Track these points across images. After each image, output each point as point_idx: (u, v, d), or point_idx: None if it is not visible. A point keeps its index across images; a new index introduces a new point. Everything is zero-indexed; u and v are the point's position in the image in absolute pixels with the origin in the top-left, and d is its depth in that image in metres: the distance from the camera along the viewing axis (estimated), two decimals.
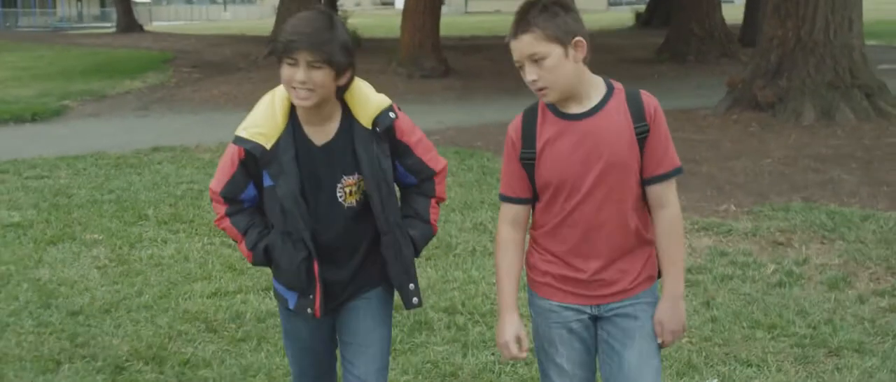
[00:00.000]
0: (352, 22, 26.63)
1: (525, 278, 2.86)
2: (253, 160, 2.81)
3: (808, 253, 5.63)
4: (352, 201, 2.87)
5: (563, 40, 2.60)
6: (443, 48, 18.16)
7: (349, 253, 2.90)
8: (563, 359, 2.80)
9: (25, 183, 8.23)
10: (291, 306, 2.95)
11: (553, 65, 2.61)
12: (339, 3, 28.08)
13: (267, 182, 2.83)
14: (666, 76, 16.79)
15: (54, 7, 68.30)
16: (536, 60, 2.60)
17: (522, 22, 2.62)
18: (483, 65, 19.25)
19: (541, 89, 2.64)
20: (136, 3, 64.25)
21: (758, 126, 9.75)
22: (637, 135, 2.69)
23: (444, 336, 4.52)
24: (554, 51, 2.60)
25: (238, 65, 20.85)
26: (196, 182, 8.03)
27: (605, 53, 21.69)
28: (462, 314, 4.78)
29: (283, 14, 21.60)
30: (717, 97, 11.63)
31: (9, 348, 4.43)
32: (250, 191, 2.89)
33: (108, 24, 61.51)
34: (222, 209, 2.92)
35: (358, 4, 29.64)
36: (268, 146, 2.77)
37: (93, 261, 5.78)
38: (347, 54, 2.72)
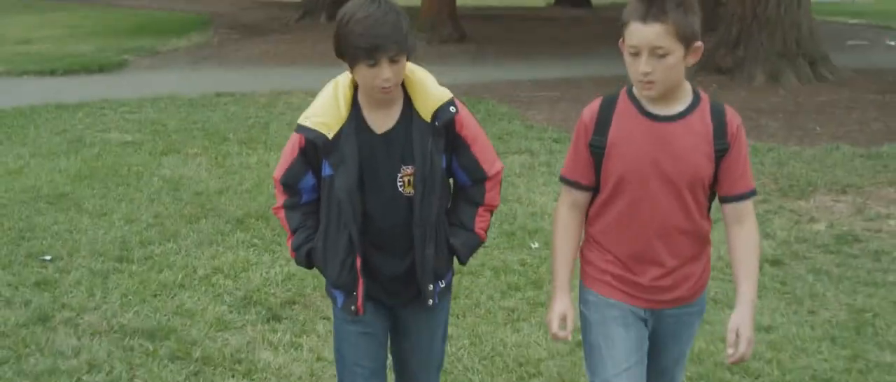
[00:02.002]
0: None
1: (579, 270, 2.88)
2: (314, 148, 2.80)
3: None
4: (411, 190, 2.82)
5: (689, 41, 2.54)
6: (459, 16, 20.16)
7: (407, 245, 2.86)
8: (618, 352, 2.75)
9: (123, 116, 10.32)
10: (339, 305, 2.96)
11: (673, 63, 2.53)
12: None
13: (326, 171, 2.83)
14: None
15: None
16: (659, 54, 2.52)
17: (657, 9, 2.50)
18: (495, 32, 21.23)
19: (649, 82, 2.57)
20: None
21: (717, 86, 11.74)
22: (716, 150, 2.64)
23: None
24: (677, 50, 2.52)
25: (271, 27, 22.71)
26: (260, 117, 10.09)
27: (613, 23, 23.70)
28: None
29: None
30: None
31: (159, 211, 6.55)
32: (309, 181, 2.89)
33: None
34: (281, 199, 2.95)
35: None
36: (330, 135, 2.76)
37: (198, 165, 7.89)
38: (413, 38, 2.73)
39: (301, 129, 2.79)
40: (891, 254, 5.58)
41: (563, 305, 2.76)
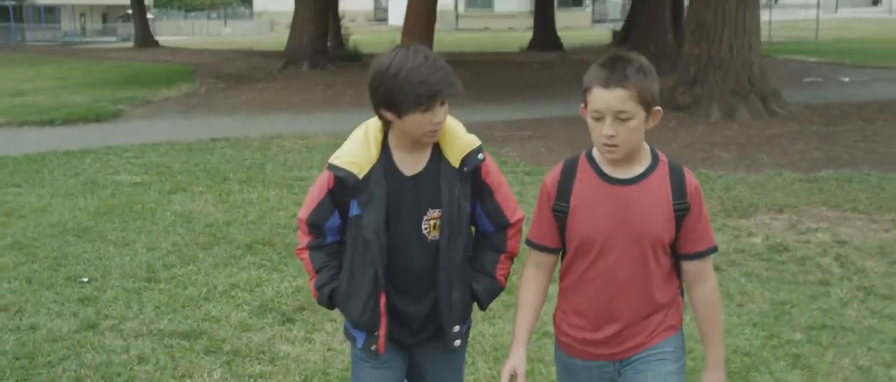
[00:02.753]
0: (354, 39, 29.62)
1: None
2: (341, 188, 2.85)
3: None
4: (435, 234, 2.87)
5: (649, 105, 2.60)
6: None
7: (427, 287, 2.91)
8: None
9: (128, 160, 11.17)
10: (359, 345, 2.99)
11: (635, 127, 2.59)
12: (341, 21, 30.70)
13: (354, 211, 2.86)
14: None
15: (60, 22, 70.75)
16: (622, 118, 2.57)
17: (619, 75, 2.56)
18: (468, 76, 22.09)
19: (613, 146, 2.62)
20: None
21: (676, 122, 12.71)
22: (675, 211, 2.70)
23: None
24: (639, 113, 2.58)
25: (255, 76, 23.58)
26: (256, 158, 10.97)
27: (582, 66, 24.82)
28: None
29: (296, 32, 24.56)
30: None
31: (176, 240, 7.38)
32: (335, 221, 2.94)
33: (112, 38, 63.88)
34: (306, 240, 2.99)
35: (353, 21, 32.22)
36: (361, 175, 2.80)
37: (205, 201, 8.73)
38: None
39: (332, 168, 2.84)
40: (814, 260, 6.48)
41: (515, 360, 2.83)
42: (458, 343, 2.98)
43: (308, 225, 2.96)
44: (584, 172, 2.75)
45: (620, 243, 2.69)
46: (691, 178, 2.75)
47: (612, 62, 2.59)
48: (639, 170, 2.70)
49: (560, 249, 2.86)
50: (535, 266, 2.91)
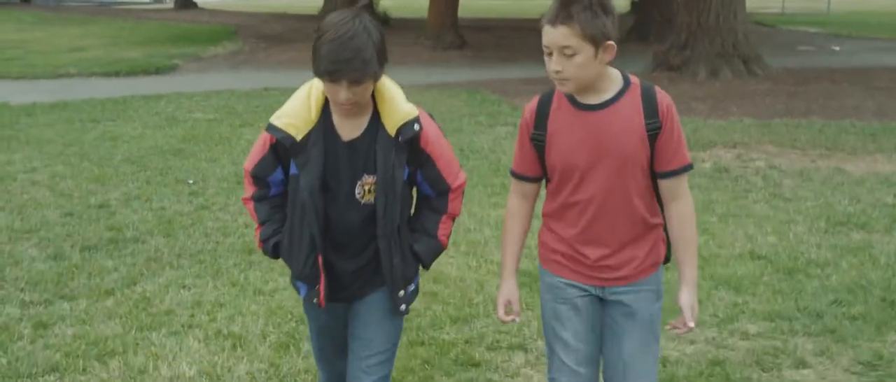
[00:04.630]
0: (384, 4, 31.42)
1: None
2: (283, 148, 2.89)
3: None
4: (369, 198, 2.92)
5: (597, 41, 2.62)
6: (460, 27, 23.10)
7: (361, 247, 2.98)
8: (568, 334, 2.90)
9: (198, 102, 13.16)
10: (302, 295, 3.11)
11: (581, 62, 2.63)
12: None
13: (293, 170, 2.91)
14: (629, 50, 21.62)
15: None
16: (567, 54, 2.62)
17: (563, 13, 2.61)
18: (490, 40, 24.19)
19: (562, 79, 2.67)
20: None
21: (667, 81, 14.58)
22: (648, 131, 2.74)
23: None
24: (585, 49, 2.62)
25: (293, 37, 25.33)
26: None
27: None
28: None
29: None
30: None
31: None
32: (278, 175, 2.99)
33: (145, 0, 65.69)
34: (251, 191, 3.06)
35: None
36: (298, 137, 2.84)
37: None
38: (383, 57, 2.77)
39: (271, 129, 2.88)
40: (746, 178, 8.41)
41: (507, 290, 3.00)
42: (402, 308, 3.04)
43: (252, 176, 3.04)
44: (559, 101, 2.82)
45: (599, 166, 2.75)
46: (663, 98, 2.79)
47: (561, 1, 2.64)
48: (607, 95, 2.76)
49: (541, 177, 2.94)
50: (519, 196, 3.01)
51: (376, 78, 2.78)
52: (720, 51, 15.18)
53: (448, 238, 3.10)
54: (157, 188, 8.05)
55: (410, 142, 2.89)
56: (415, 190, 3.08)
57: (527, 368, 4.35)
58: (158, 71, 18.29)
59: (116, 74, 17.55)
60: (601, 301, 2.93)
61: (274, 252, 3.08)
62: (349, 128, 2.90)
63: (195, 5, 40.87)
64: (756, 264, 5.89)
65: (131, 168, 8.87)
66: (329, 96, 2.79)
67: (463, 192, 3.09)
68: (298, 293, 3.15)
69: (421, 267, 3.11)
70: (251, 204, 3.08)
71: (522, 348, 4.56)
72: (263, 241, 3.08)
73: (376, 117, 2.89)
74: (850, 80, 15.17)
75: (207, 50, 22.16)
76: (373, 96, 2.87)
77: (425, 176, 2.99)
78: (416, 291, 3.14)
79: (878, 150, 9.55)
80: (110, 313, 5.04)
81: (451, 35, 22.07)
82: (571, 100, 2.79)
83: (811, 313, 5.03)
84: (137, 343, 4.63)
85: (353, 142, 2.89)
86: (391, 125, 2.87)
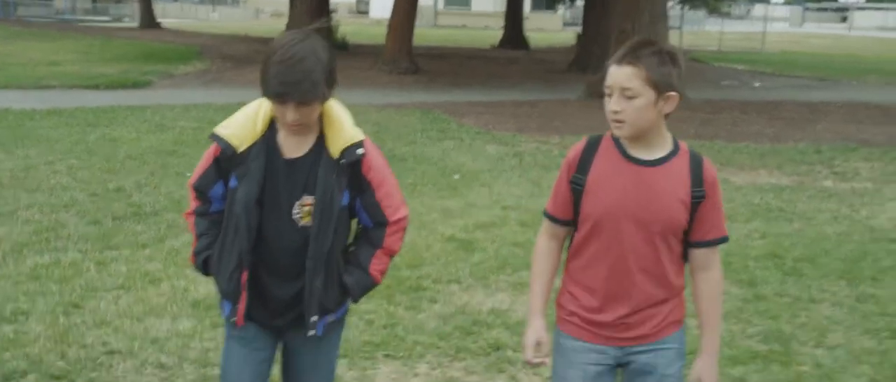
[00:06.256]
0: (342, 30, 33.12)
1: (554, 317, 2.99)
2: (225, 159, 2.89)
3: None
4: (307, 221, 2.87)
5: (660, 88, 2.63)
6: (415, 54, 24.91)
7: (297, 272, 2.90)
8: None
9: (180, 114, 14.70)
10: (226, 314, 3.04)
11: (641, 106, 2.63)
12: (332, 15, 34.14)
13: (232, 182, 2.89)
14: (568, 80, 23.51)
15: None
16: (628, 96, 2.63)
17: (631, 54, 2.64)
18: (443, 67, 26.02)
19: (619, 121, 2.67)
20: (125, 2, 69.24)
21: (597, 107, 16.25)
22: (692, 198, 2.72)
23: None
24: (647, 93, 2.63)
25: (258, 58, 26.51)
26: None
27: (542, 63, 28.86)
28: None
29: (294, 22, 28.11)
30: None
31: None
32: (219, 189, 2.97)
33: (105, 18, 66.24)
34: (193, 205, 3.06)
35: (335, 11, 35.29)
36: (240, 149, 2.83)
37: None
38: (332, 80, 2.76)
39: (214, 138, 2.86)
40: None
41: (536, 332, 2.90)
42: (312, 333, 2.96)
43: (195, 190, 3.03)
44: (606, 148, 2.79)
45: (635, 223, 2.72)
46: (710, 167, 2.78)
47: (635, 43, 2.66)
48: (660, 153, 2.74)
49: (572, 222, 2.88)
50: (548, 236, 2.97)
51: (324, 100, 2.80)
52: None
53: (382, 274, 3.06)
54: (161, 178, 9.67)
55: (352, 166, 2.89)
56: (355, 222, 3.06)
57: (461, 292, 6.07)
58: (135, 85, 19.65)
59: (97, 87, 18.90)
60: (619, 367, 2.91)
61: (204, 267, 3.07)
62: (293, 147, 2.89)
63: (159, 25, 42.19)
64: None
65: (135, 163, 10.47)
66: (277, 116, 2.81)
67: (403, 230, 3.06)
68: (222, 313, 3.09)
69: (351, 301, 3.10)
70: (191, 219, 3.08)
71: (458, 282, 6.29)
72: (195, 254, 3.08)
73: (321, 138, 2.89)
74: (758, 111, 17.20)
75: (178, 68, 23.50)
76: (320, 117, 2.87)
77: (364, 204, 2.98)
78: (339, 323, 3.12)
79: (763, 167, 11.47)
80: (150, 257, 6.68)
81: (406, 61, 23.85)
82: (621, 149, 2.77)
83: None
84: (176, 275, 6.27)
85: (295, 161, 2.89)
86: (335, 147, 2.87)
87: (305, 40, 2.73)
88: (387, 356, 4.95)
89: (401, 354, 4.97)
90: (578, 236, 2.86)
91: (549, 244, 2.97)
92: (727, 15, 60.59)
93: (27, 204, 8.20)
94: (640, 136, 2.72)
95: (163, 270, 6.34)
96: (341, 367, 4.66)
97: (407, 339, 5.16)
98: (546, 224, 2.97)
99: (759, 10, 74.79)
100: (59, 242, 7.03)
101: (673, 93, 2.66)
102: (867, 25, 78.70)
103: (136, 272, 6.29)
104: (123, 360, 4.82)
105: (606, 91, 2.69)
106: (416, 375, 4.76)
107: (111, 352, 4.90)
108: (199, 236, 3.06)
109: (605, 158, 2.78)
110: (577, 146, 2.85)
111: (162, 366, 4.77)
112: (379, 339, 5.13)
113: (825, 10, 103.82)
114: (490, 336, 5.22)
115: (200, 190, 3.02)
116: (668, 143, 2.79)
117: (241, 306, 2.95)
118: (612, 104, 2.67)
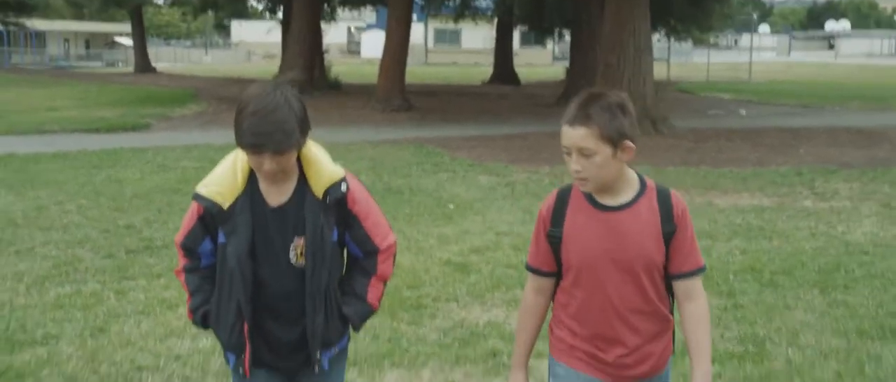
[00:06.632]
0: (334, 70, 33.73)
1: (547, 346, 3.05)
2: (210, 216, 2.91)
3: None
4: (302, 261, 2.92)
5: (615, 142, 2.66)
6: (408, 91, 25.47)
7: (298, 313, 2.96)
8: None
9: (181, 154, 15.17)
10: (231, 365, 3.08)
11: (600, 162, 2.67)
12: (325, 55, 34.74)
13: (221, 239, 2.92)
14: (557, 113, 23.97)
15: (47, 47, 73.83)
16: (586, 155, 2.66)
17: (582, 114, 2.65)
18: (434, 104, 26.62)
19: (582, 179, 2.72)
20: (121, 46, 70.04)
21: None
22: (664, 234, 2.79)
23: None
24: (604, 150, 2.66)
25: None
26: None
27: (531, 97, 29.41)
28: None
29: (288, 63, 28.71)
30: None
31: None
32: (207, 245, 3.00)
33: (98, 63, 66.98)
34: (183, 262, 3.06)
35: (327, 51, 36.01)
36: (225, 205, 2.87)
37: None
38: (305, 128, 2.81)
39: (197, 198, 2.93)
40: None
41: (517, 380, 3.02)
42: (317, 369, 3.03)
43: (183, 248, 3.05)
44: (576, 198, 2.84)
45: (614, 266, 2.78)
46: (678, 201, 2.85)
47: (583, 101, 2.70)
48: (626, 197, 2.80)
49: (556, 272, 2.94)
50: (535, 291, 3.01)
51: (299, 147, 2.84)
52: None
53: (379, 300, 3.12)
54: (168, 215, 10.09)
55: (338, 203, 2.93)
56: (345, 252, 3.10)
57: (458, 309, 6.49)
58: (135, 128, 20.19)
59: (97, 131, 19.40)
60: None
61: (203, 321, 3.09)
62: (276, 194, 2.92)
63: (154, 69, 42.80)
64: None
65: (141, 201, 10.89)
66: (253, 166, 2.85)
67: (393, 255, 3.11)
68: (228, 364, 3.14)
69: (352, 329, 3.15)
70: (182, 276, 3.09)
71: (455, 300, 6.71)
72: (192, 311, 3.09)
73: (303, 181, 2.92)
74: (742, 138, 17.73)
75: (174, 110, 24.14)
76: (299, 161, 2.90)
77: (353, 236, 3.02)
78: (342, 354, 3.20)
79: (745, 190, 11.93)
80: (165, 286, 7.08)
81: (398, 99, 24.42)
82: (590, 199, 2.82)
83: None
84: None
85: (281, 208, 2.92)
86: (318, 188, 2.91)
87: (276, 91, 2.79)
88: (392, 364, 5.36)
89: (405, 362, 5.38)
90: (564, 283, 2.94)
91: (537, 300, 3.03)
92: (715, 46, 61.54)
93: (43, 242, 8.61)
94: (606, 187, 2.79)
95: (179, 297, 6.73)
96: (351, 375, 5.07)
97: (410, 349, 5.58)
98: (531, 278, 3.02)
99: (746, 40, 75.73)
100: (78, 275, 7.44)
101: (628, 143, 2.71)
102: (854, 52, 79.71)
103: (154, 299, 6.69)
104: (151, 375, 5.22)
105: (564, 150, 2.74)
106: (420, 380, 5.17)
107: (139, 368, 5.31)
108: (193, 293, 3.08)
109: (576, 209, 2.84)
110: (549, 200, 2.93)
111: (187, 379, 5.18)
112: (384, 350, 5.54)
113: (812, 38, 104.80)
114: (487, 345, 5.64)
115: (188, 247, 3.04)
116: (635, 185, 2.85)
117: (247, 357, 3.01)
118: (572, 164, 2.72)
